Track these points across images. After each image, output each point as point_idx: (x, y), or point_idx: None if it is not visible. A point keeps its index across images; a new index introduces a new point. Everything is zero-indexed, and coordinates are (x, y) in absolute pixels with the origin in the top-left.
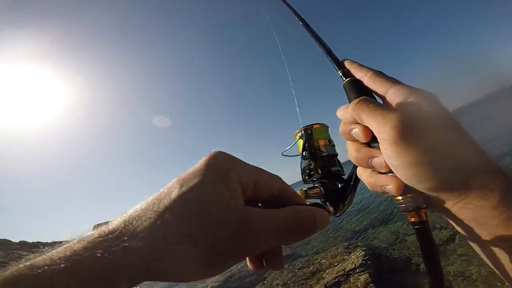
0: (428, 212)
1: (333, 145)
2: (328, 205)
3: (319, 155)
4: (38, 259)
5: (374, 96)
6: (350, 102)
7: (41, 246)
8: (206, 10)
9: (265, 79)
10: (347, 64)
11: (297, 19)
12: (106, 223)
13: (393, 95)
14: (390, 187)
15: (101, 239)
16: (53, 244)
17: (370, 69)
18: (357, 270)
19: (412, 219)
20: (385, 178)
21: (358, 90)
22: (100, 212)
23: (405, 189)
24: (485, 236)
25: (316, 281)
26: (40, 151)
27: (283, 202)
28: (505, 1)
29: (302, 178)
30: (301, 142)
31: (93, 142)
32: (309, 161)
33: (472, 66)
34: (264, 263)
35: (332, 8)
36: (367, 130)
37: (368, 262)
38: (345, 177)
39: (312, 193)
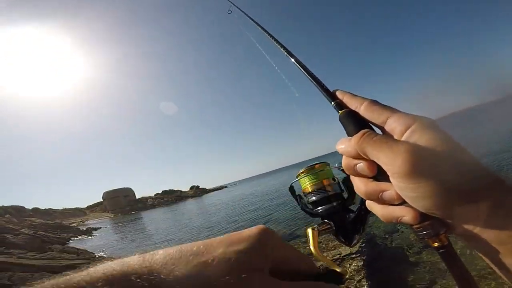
0: None
1: (338, 182)
2: (341, 238)
3: (325, 195)
4: (77, 274)
5: (371, 127)
6: (348, 134)
7: (52, 213)
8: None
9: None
10: (339, 95)
11: (283, 52)
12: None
13: (394, 124)
14: (407, 218)
15: (135, 274)
16: (64, 212)
17: (364, 98)
18: (353, 256)
19: (435, 244)
20: (400, 210)
21: (356, 122)
22: (108, 181)
23: (422, 216)
24: (508, 255)
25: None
26: (52, 123)
27: (302, 276)
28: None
29: (306, 210)
30: (304, 181)
31: (102, 116)
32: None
33: (475, 71)
34: None
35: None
36: (373, 164)
37: (364, 249)
38: (349, 201)
39: (323, 229)
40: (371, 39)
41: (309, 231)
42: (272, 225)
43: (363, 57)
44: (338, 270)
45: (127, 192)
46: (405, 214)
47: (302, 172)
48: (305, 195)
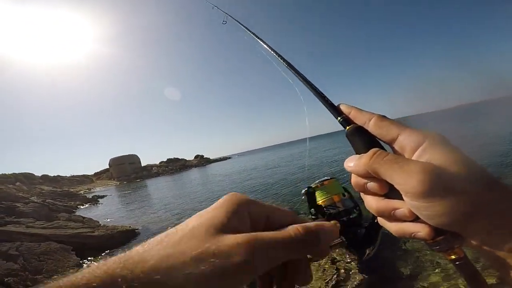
0: None
1: (349, 197)
2: (353, 251)
3: (336, 211)
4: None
5: (380, 143)
6: (356, 152)
7: (60, 180)
8: None
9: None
10: (344, 109)
11: (283, 64)
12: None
13: (405, 142)
14: (421, 233)
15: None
16: (72, 179)
17: (371, 113)
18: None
19: (452, 257)
20: (414, 226)
21: (365, 139)
22: (116, 148)
23: (436, 231)
24: None
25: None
26: (64, 90)
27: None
28: None
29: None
30: (316, 194)
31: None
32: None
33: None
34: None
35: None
36: (384, 183)
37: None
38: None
39: (334, 244)
40: (369, 36)
41: None
42: (271, 200)
43: (361, 53)
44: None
45: (133, 159)
46: (419, 230)
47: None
48: (316, 211)
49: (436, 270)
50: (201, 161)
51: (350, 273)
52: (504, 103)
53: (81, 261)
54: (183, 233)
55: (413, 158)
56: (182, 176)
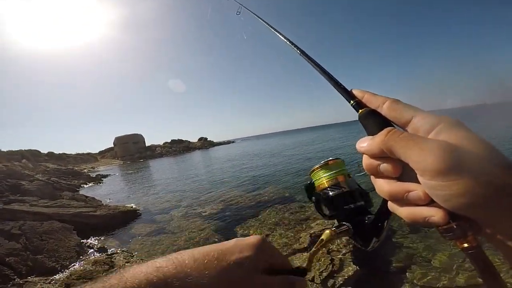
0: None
1: (353, 179)
2: (358, 240)
3: (340, 191)
4: (112, 280)
5: (394, 126)
6: (369, 134)
7: (65, 157)
8: None
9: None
10: (358, 93)
11: (297, 51)
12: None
13: (419, 123)
14: (435, 218)
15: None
16: (77, 157)
17: (385, 97)
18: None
19: (465, 245)
20: (427, 210)
21: (378, 121)
22: (120, 127)
23: (451, 216)
24: None
25: (303, 229)
26: (76, 69)
27: (282, 271)
28: None
29: (320, 212)
30: (318, 175)
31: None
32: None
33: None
34: None
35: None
36: (398, 163)
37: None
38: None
39: (340, 232)
40: (374, 34)
41: (327, 232)
42: (272, 187)
43: (365, 51)
44: (304, 266)
45: (138, 139)
46: (433, 214)
47: (316, 168)
48: (320, 192)
49: (428, 265)
50: (205, 144)
51: (344, 264)
52: (498, 109)
53: (82, 241)
54: (228, 262)
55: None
56: (185, 158)
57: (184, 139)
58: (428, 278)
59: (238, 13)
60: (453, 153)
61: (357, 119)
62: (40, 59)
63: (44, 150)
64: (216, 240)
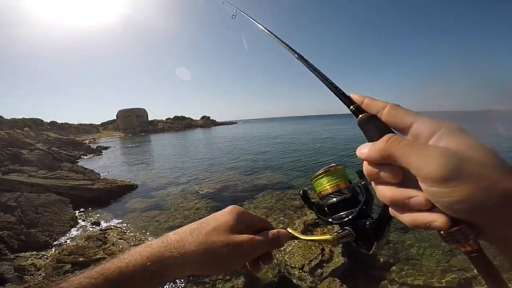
0: None
1: (354, 185)
2: (361, 245)
3: (342, 197)
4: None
5: (394, 132)
6: (369, 140)
7: (67, 127)
8: None
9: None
10: (356, 98)
11: (294, 56)
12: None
13: (420, 129)
14: (437, 223)
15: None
16: (79, 127)
17: (385, 102)
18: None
19: (468, 248)
20: (429, 215)
21: (378, 127)
22: (124, 100)
23: (452, 221)
24: None
25: (298, 216)
26: (81, 45)
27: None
28: None
29: (323, 219)
30: (321, 182)
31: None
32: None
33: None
34: (261, 262)
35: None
36: (399, 170)
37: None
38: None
39: (342, 237)
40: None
41: (330, 238)
42: (270, 171)
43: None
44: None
45: (141, 113)
46: (435, 219)
47: (318, 175)
48: (321, 199)
49: (415, 262)
50: (207, 123)
51: (334, 255)
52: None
53: (76, 215)
54: (209, 229)
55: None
56: (186, 134)
57: (186, 116)
58: (415, 275)
59: (233, 16)
60: (453, 159)
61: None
62: (51, 26)
63: (47, 119)
64: None
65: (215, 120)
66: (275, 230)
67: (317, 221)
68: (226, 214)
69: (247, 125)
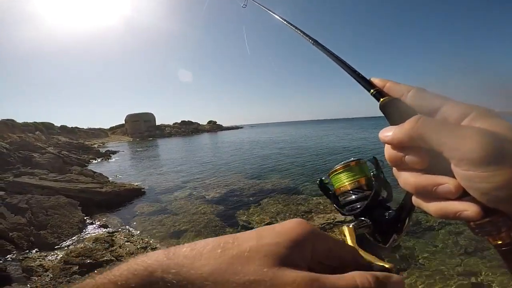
0: None
1: (374, 179)
2: (377, 237)
3: (363, 194)
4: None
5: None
6: (392, 124)
7: (77, 131)
8: None
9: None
10: (377, 82)
11: (310, 42)
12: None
13: (449, 112)
14: (469, 212)
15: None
16: (88, 132)
17: (409, 86)
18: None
19: (499, 242)
20: (460, 204)
21: (403, 109)
22: (133, 105)
23: (485, 211)
24: None
25: (306, 221)
26: (91, 50)
27: (352, 267)
28: None
29: (341, 211)
30: (340, 178)
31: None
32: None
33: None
34: None
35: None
36: (425, 155)
37: None
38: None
39: (359, 227)
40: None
41: (345, 229)
42: (276, 176)
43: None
44: (386, 266)
45: (148, 117)
46: (466, 209)
47: (336, 170)
48: (341, 194)
49: (422, 266)
50: (213, 127)
51: None
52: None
53: (85, 218)
54: (239, 251)
55: None
56: (193, 139)
57: (193, 121)
58: (422, 279)
59: (244, 6)
60: (494, 140)
61: (368, 115)
62: (60, 32)
63: (58, 123)
64: (218, 225)
65: (221, 125)
66: (374, 274)
67: (323, 225)
68: (280, 233)
69: (253, 129)
